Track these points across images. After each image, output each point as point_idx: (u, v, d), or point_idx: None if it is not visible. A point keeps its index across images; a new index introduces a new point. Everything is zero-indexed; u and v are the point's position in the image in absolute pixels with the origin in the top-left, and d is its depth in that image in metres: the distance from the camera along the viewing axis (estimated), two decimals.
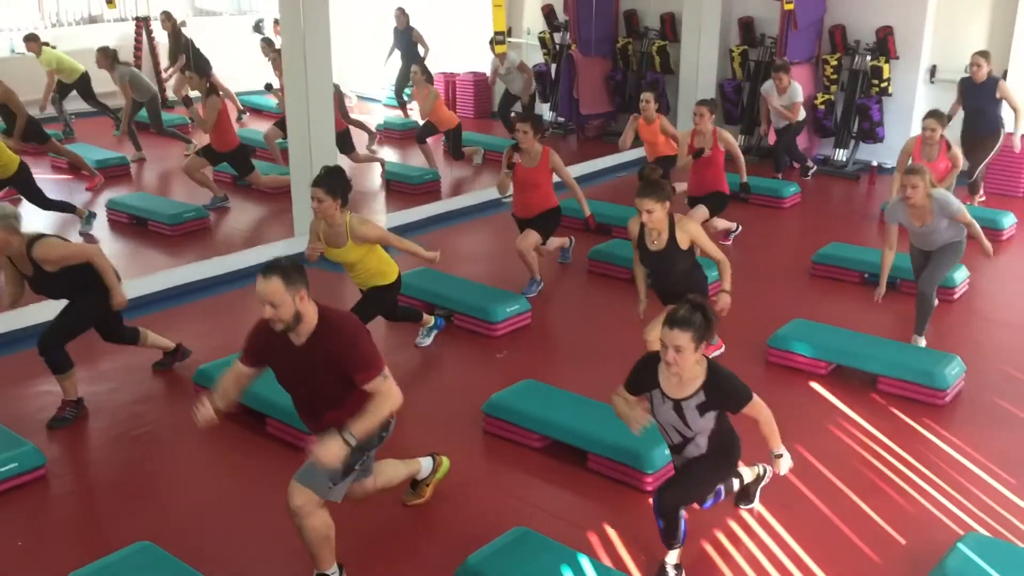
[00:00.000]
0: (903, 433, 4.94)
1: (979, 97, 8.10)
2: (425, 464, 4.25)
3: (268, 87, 10.50)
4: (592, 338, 6.14)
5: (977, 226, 5.56)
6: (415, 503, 4.26)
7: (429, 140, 9.98)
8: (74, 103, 11.05)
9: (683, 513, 3.70)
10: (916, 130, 10.02)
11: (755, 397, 3.67)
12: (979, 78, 8.12)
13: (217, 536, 4.10)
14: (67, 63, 10.61)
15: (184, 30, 11.86)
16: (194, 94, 9.27)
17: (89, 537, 4.14)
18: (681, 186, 7.42)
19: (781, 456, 3.87)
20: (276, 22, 12.18)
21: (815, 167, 10.07)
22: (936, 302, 5.91)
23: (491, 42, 10.78)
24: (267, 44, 11.09)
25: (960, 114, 8.43)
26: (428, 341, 5.93)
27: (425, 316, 5.91)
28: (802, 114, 9.56)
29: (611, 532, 4.07)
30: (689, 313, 3.46)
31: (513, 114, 10.21)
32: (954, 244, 5.65)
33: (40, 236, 4.84)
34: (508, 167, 6.56)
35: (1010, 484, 4.46)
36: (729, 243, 7.68)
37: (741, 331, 5.82)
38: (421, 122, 10.13)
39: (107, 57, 9.90)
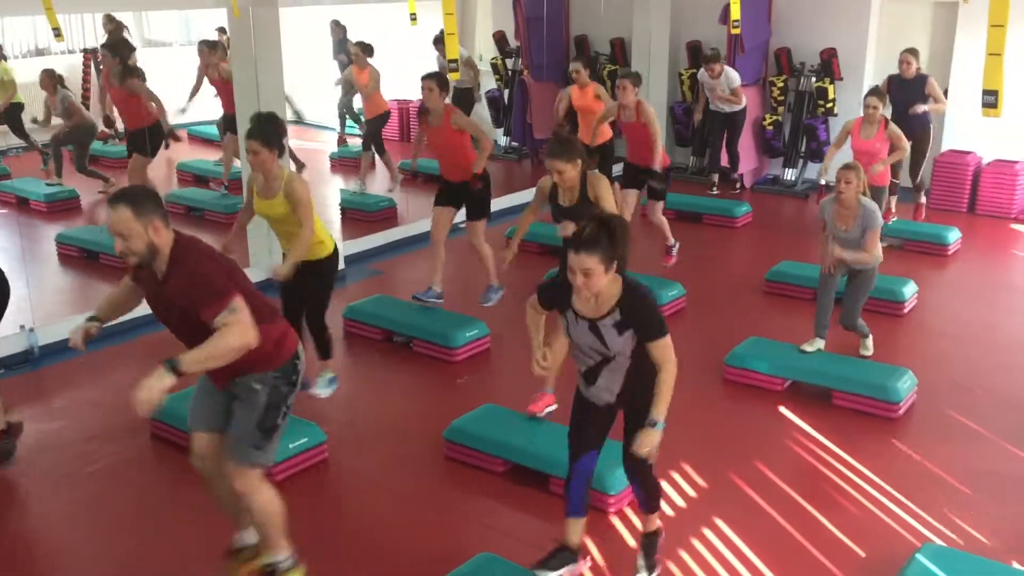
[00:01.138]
0: (859, 446, 5.02)
1: (908, 93, 8.27)
2: (282, 555, 3.66)
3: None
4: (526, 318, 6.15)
5: (874, 258, 5.56)
6: (244, 568, 3.78)
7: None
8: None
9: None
10: None
11: (668, 339, 3.38)
12: (908, 74, 8.31)
13: (174, 573, 4.03)
14: (10, 84, 10.33)
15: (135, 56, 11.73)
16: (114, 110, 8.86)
17: None
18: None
19: (655, 426, 3.37)
20: (222, 31, 12.02)
21: (716, 189, 10.20)
22: (867, 328, 5.98)
23: (435, 40, 10.75)
24: (208, 46, 10.04)
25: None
26: (326, 392, 5.43)
27: (331, 361, 5.46)
28: (743, 100, 9.72)
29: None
30: (594, 233, 3.24)
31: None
32: (868, 272, 5.72)
33: None
34: (420, 133, 6.44)
35: (965, 494, 4.55)
36: (671, 263, 7.53)
37: (698, 350, 5.88)
38: (363, 109, 10.02)
39: (51, 79, 9.73)
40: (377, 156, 10.09)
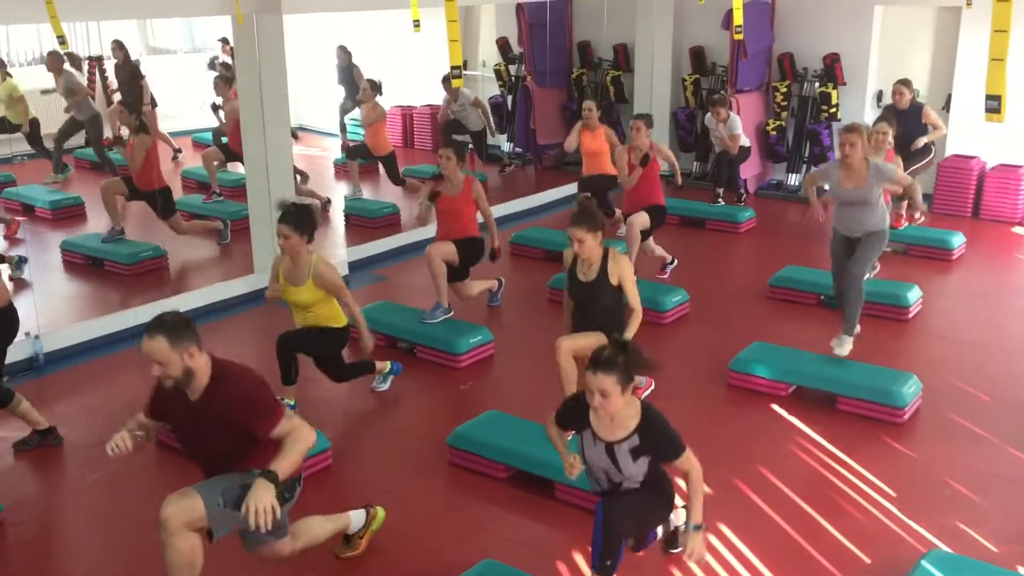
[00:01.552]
0: (863, 452, 5.01)
1: (905, 123, 8.24)
2: (356, 517, 4.06)
3: (214, 107, 10.40)
4: (555, 367, 6.14)
5: (917, 187, 5.53)
6: (348, 556, 4.07)
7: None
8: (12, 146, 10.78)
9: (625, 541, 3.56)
10: None
11: (688, 450, 3.50)
12: (902, 105, 8.29)
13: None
14: (20, 101, 10.37)
15: (139, 67, 11.79)
16: (124, 132, 8.98)
17: None
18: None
19: (699, 530, 3.50)
20: (224, 41, 12.09)
21: (721, 200, 10.01)
22: (863, 298, 5.84)
23: (444, 79, 10.81)
24: (223, 81, 10.85)
25: None
26: (385, 386, 5.75)
27: (379, 364, 5.70)
28: (745, 141, 9.66)
29: (580, 561, 4.07)
30: (613, 355, 3.32)
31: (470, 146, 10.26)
32: (879, 233, 5.70)
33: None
34: (430, 198, 6.49)
35: (970, 500, 4.54)
36: (666, 276, 7.61)
37: (702, 355, 5.88)
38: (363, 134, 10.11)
39: (57, 60, 9.76)
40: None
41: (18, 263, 7.74)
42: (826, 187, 5.74)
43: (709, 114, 9.78)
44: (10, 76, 10.40)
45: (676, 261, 7.73)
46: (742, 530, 4.29)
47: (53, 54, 9.80)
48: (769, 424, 5.34)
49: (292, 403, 5.37)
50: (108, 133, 10.98)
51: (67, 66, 9.98)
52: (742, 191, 10.05)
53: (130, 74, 11.03)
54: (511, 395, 5.74)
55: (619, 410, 3.39)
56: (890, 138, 7.14)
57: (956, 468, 4.82)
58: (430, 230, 8.18)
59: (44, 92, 10.59)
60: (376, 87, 9.92)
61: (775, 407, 5.50)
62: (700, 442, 5.13)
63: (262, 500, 3.18)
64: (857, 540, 4.22)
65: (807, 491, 4.63)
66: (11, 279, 7.56)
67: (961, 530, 4.28)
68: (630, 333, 4.82)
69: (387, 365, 5.77)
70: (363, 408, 5.65)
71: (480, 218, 6.65)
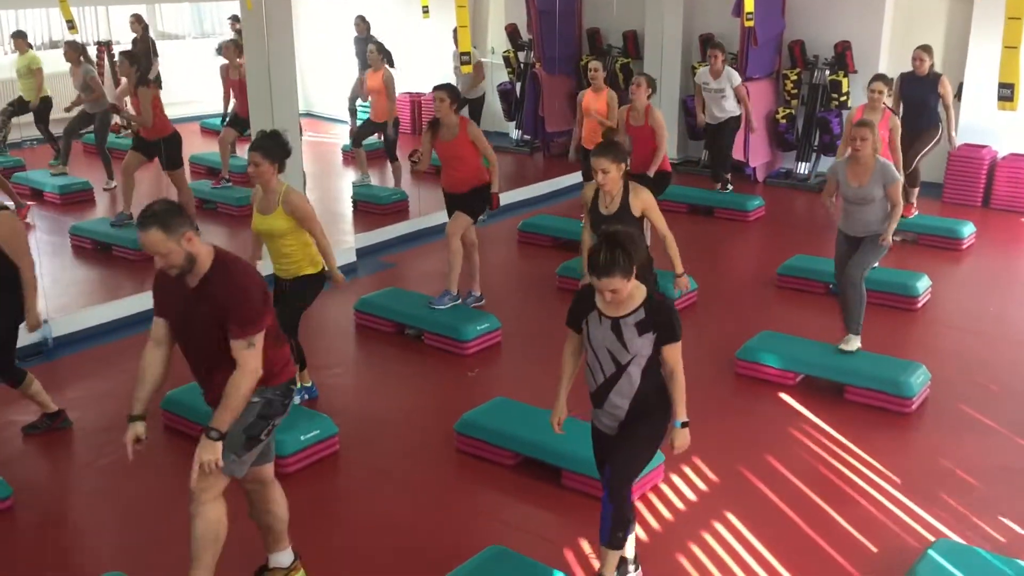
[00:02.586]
0: (871, 441, 5.00)
1: (921, 90, 8.21)
2: (287, 556, 3.80)
3: (220, 49, 10.20)
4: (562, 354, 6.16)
5: (900, 206, 5.56)
6: None
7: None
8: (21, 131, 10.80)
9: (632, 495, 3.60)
10: None
11: (679, 344, 3.51)
12: (922, 71, 8.22)
13: (188, 565, 4.05)
14: (38, 74, 10.34)
15: (155, 45, 11.81)
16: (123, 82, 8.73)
17: (58, 569, 4.07)
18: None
19: (685, 426, 3.58)
20: (235, 19, 11.91)
21: (731, 186, 9.82)
22: (864, 299, 5.74)
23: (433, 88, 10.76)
24: (236, 45, 9.97)
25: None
26: (295, 400, 5.26)
27: (302, 376, 5.34)
28: (736, 110, 9.35)
29: (587, 548, 4.07)
30: (609, 255, 3.32)
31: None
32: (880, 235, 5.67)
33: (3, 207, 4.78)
34: (429, 143, 6.42)
35: (978, 490, 4.53)
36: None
37: (709, 344, 5.87)
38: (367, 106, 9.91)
39: (76, 51, 9.74)
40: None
41: None
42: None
43: (703, 69, 9.43)
44: (31, 48, 10.39)
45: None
46: (749, 519, 4.30)
47: (72, 44, 9.75)
48: (777, 413, 5.33)
49: (309, 384, 5.40)
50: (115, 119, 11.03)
51: (84, 60, 9.93)
52: (728, 177, 9.72)
53: (144, 51, 10.99)
54: (519, 382, 5.74)
55: (628, 294, 3.45)
56: (885, 97, 7.12)
57: (964, 458, 4.81)
58: (441, 216, 8.22)
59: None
60: (384, 52, 9.73)
61: (783, 396, 5.50)
62: (707, 431, 5.15)
63: (203, 457, 3.29)
64: (864, 529, 4.22)
65: (814, 480, 4.63)
66: None
67: (969, 520, 4.28)
68: (679, 265, 5.09)
69: (309, 382, 5.45)
70: (371, 394, 5.66)
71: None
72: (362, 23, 12.00)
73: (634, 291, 3.46)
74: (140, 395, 3.55)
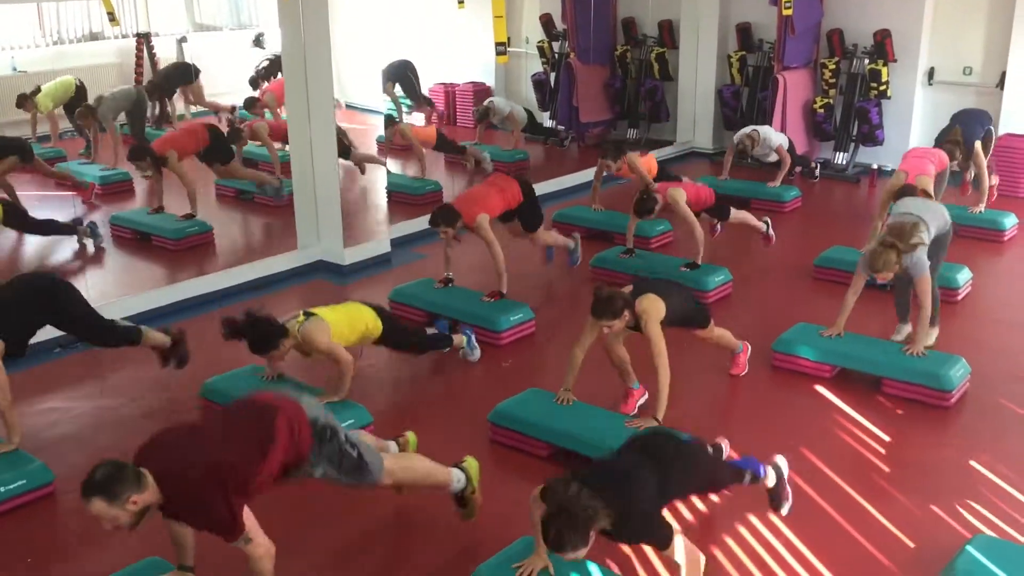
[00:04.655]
0: (909, 435, 4.95)
1: (969, 128, 8.00)
2: (455, 475, 4.09)
3: (257, 40, 10.35)
4: (595, 346, 6.13)
5: (928, 304, 5.34)
6: (472, 518, 4.17)
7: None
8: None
9: None
10: (916, 133, 10.14)
11: (675, 541, 3.38)
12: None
13: (226, 549, 4.10)
14: (60, 92, 10.49)
15: (184, 46, 11.91)
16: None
17: (98, 553, 4.14)
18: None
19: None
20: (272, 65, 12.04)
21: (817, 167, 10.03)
22: (938, 293, 5.72)
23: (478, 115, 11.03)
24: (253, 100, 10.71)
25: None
26: (476, 354, 5.84)
27: (455, 339, 5.75)
28: (784, 142, 9.31)
29: None
30: (560, 537, 3.14)
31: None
32: (937, 251, 5.56)
33: None
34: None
35: (1018, 485, 4.47)
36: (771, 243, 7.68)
37: (745, 336, 5.82)
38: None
39: (87, 117, 9.96)
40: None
41: (93, 231, 8.01)
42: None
43: (742, 134, 9.21)
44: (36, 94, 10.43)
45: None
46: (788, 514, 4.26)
47: (82, 113, 9.96)
48: (813, 406, 5.29)
49: (469, 332, 5.86)
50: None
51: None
52: (812, 164, 9.94)
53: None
54: (552, 373, 5.73)
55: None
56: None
57: (1004, 453, 4.75)
58: None
59: None
60: (389, 120, 9.98)
61: (819, 389, 5.45)
62: (744, 423, 5.14)
63: None
64: (902, 525, 4.18)
65: (851, 474, 4.59)
66: (97, 248, 7.97)
67: (1008, 515, 4.22)
68: (660, 409, 4.72)
69: (463, 339, 5.81)
70: (405, 384, 5.69)
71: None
72: None
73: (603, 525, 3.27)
74: (184, 556, 3.64)
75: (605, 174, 8.35)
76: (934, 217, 5.56)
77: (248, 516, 3.34)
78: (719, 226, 7.64)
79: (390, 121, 10.00)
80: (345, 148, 9.20)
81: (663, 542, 3.38)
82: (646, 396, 5.14)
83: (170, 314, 6.62)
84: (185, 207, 8.40)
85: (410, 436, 4.50)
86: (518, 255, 7.03)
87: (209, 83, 11.94)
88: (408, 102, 12.44)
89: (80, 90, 10.57)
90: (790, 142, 9.56)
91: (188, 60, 11.60)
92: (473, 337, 5.87)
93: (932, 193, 6.88)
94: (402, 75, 12.20)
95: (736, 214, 7.39)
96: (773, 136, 9.26)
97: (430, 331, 5.77)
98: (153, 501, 3.21)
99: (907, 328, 5.70)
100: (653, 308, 4.72)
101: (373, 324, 5.17)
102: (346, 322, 5.04)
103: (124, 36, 13.15)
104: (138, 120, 10.51)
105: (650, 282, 5.05)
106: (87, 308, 5.13)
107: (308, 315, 4.92)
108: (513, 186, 6.72)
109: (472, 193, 6.78)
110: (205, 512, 3.25)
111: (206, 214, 8.60)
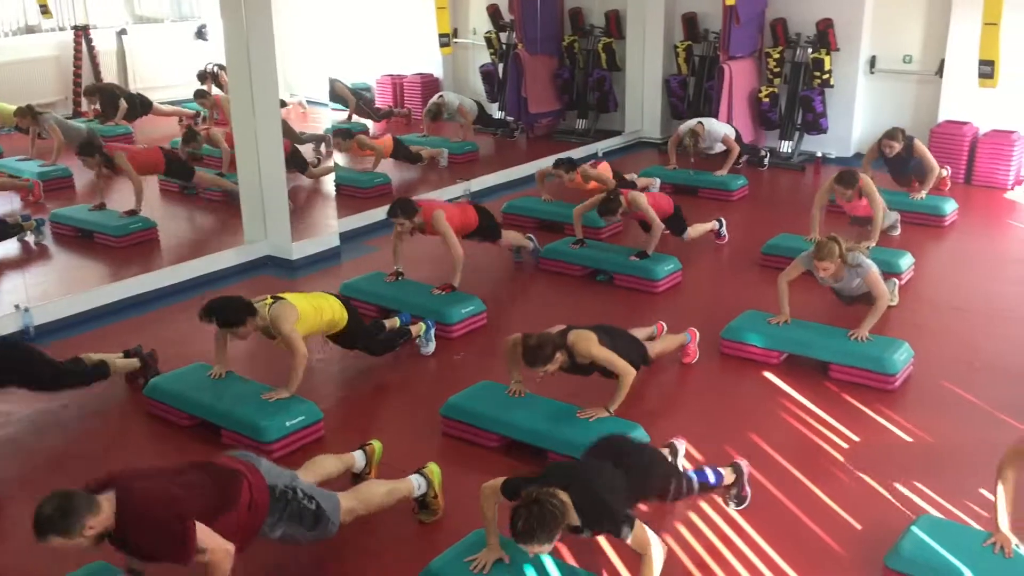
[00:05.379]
0: (855, 419, 5.03)
1: (901, 163, 8.16)
2: (416, 482, 4.13)
3: (199, 33, 10.12)
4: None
5: (885, 299, 5.52)
6: (432, 520, 4.17)
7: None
8: None
9: None
10: (858, 121, 10.31)
11: (637, 528, 3.37)
12: (892, 154, 8.02)
13: None
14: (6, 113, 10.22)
15: (124, 39, 11.68)
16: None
17: (40, 559, 4.04)
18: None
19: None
20: (221, 70, 11.79)
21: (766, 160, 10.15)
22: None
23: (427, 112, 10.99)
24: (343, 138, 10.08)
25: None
26: (431, 348, 5.84)
27: (413, 328, 5.74)
28: (730, 137, 9.39)
29: None
30: (528, 524, 3.14)
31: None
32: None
33: None
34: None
35: (961, 466, 4.57)
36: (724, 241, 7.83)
37: (694, 324, 5.87)
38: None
39: (26, 116, 9.65)
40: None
41: (38, 227, 7.86)
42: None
43: (686, 127, 9.34)
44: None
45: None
46: None
47: (20, 112, 9.64)
48: (761, 392, 5.35)
49: (430, 324, 5.82)
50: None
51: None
52: (762, 153, 10.07)
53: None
54: (504, 365, 5.73)
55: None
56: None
57: (947, 434, 4.85)
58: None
59: None
60: (345, 134, 9.77)
61: (767, 375, 5.52)
62: (692, 411, 5.18)
63: None
64: (849, 507, 4.25)
65: (798, 458, 4.65)
66: (36, 244, 7.81)
67: (951, 495, 4.31)
68: (615, 400, 4.74)
69: (421, 327, 5.81)
70: (356, 379, 5.65)
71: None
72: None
73: (567, 515, 3.27)
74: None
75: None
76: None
77: (199, 528, 3.27)
78: (723, 231, 7.79)
79: (347, 134, 9.83)
80: (303, 163, 9.02)
81: (627, 532, 3.39)
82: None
83: (114, 312, 6.49)
84: (127, 203, 8.22)
85: (376, 445, 4.45)
86: (468, 247, 7.00)
87: (150, 77, 11.72)
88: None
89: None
90: (737, 132, 9.67)
91: (128, 55, 11.35)
92: (433, 329, 5.86)
93: (872, 184, 7.06)
94: (359, 97, 12.09)
95: (691, 231, 7.44)
96: (717, 127, 9.35)
97: (388, 324, 5.76)
98: (109, 525, 3.17)
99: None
100: (583, 336, 4.72)
101: (340, 314, 5.25)
102: (313, 309, 5.08)
103: (61, 29, 12.85)
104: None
105: (578, 328, 4.90)
106: (52, 366, 5.05)
107: (276, 299, 4.96)
108: (470, 211, 6.77)
109: (432, 200, 6.83)
110: (156, 538, 3.21)
111: (150, 210, 8.43)
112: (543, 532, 3.16)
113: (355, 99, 11.99)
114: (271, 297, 4.98)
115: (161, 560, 3.25)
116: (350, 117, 11.92)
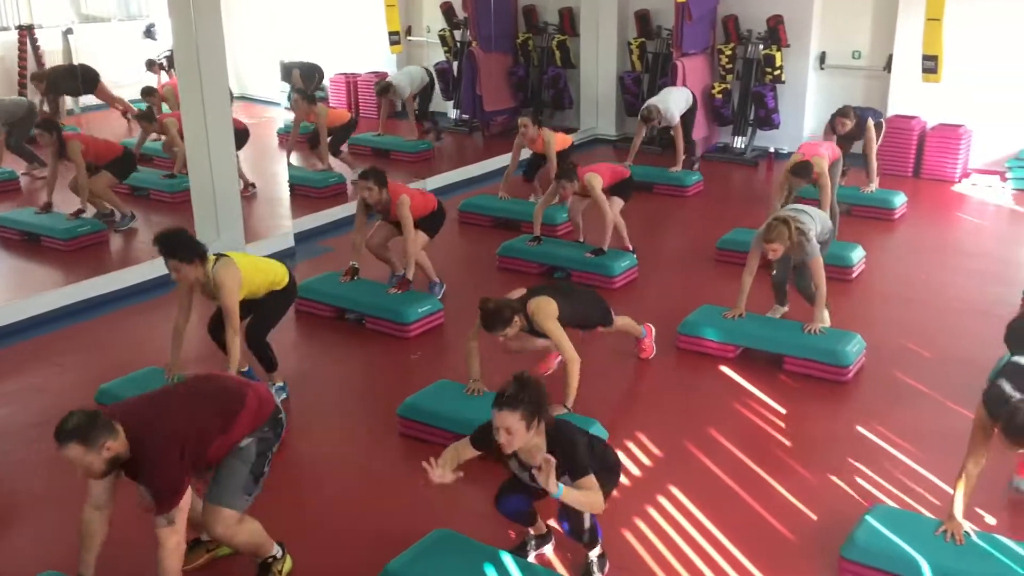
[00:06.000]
0: (810, 411, 5.09)
1: (850, 140, 8.24)
2: (276, 549, 3.82)
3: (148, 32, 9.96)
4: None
5: (821, 274, 5.57)
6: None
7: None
8: None
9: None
10: (810, 116, 10.43)
11: (592, 476, 3.39)
12: (844, 131, 8.05)
13: (128, 560, 3.96)
14: None
15: (71, 38, 11.44)
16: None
17: (41, 560, 3.94)
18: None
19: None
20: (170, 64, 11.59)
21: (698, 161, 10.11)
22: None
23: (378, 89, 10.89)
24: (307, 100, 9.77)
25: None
26: (282, 396, 5.19)
27: (275, 374, 5.23)
28: (674, 118, 9.32)
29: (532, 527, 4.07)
30: (517, 391, 3.30)
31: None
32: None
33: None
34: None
35: (913, 455, 4.64)
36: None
37: (650, 319, 5.90)
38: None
39: None
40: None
41: None
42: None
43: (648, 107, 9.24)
44: None
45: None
46: (692, 491, 4.34)
47: None
48: (717, 386, 5.39)
49: (282, 384, 5.21)
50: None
51: None
52: (695, 158, 10.00)
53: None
54: (461, 363, 5.70)
55: (524, 444, 3.38)
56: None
57: (899, 424, 4.92)
58: None
59: None
60: (307, 97, 9.62)
61: (723, 369, 5.56)
62: (650, 405, 5.21)
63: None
64: (804, 498, 4.29)
65: (754, 451, 4.70)
66: None
67: (904, 484, 4.38)
68: (570, 397, 4.72)
69: (281, 381, 5.26)
70: (312, 380, 5.59)
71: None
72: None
73: (535, 438, 3.38)
74: (88, 559, 3.49)
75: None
76: (816, 223, 5.75)
77: (186, 498, 3.33)
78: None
79: (311, 99, 9.67)
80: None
81: (587, 467, 3.40)
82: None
83: (63, 317, 6.36)
84: (73, 205, 8.06)
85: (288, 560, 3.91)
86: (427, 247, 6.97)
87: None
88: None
89: None
90: (687, 125, 9.68)
91: (75, 55, 11.13)
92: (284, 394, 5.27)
93: (827, 173, 7.13)
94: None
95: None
96: (674, 109, 9.32)
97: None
98: (123, 452, 3.26)
99: (783, 309, 5.95)
100: (543, 307, 4.75)
101: (282, 275, 5.09)
102: (255, 268, 4.96)
103: (5, 29, 12.55)
104: (22, 133, 9.89)
105: (545, 287, 5.02)
106: None
107: (220, 256, 4.81)
108: (431, 198, 6.66)
109: (400, 184, 6.69)
110: (155, 469, 3.29)
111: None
112: (529, 405, 3.30)
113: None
114: (214, 255, 4.80)
115: (151, 494, 3.30)
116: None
